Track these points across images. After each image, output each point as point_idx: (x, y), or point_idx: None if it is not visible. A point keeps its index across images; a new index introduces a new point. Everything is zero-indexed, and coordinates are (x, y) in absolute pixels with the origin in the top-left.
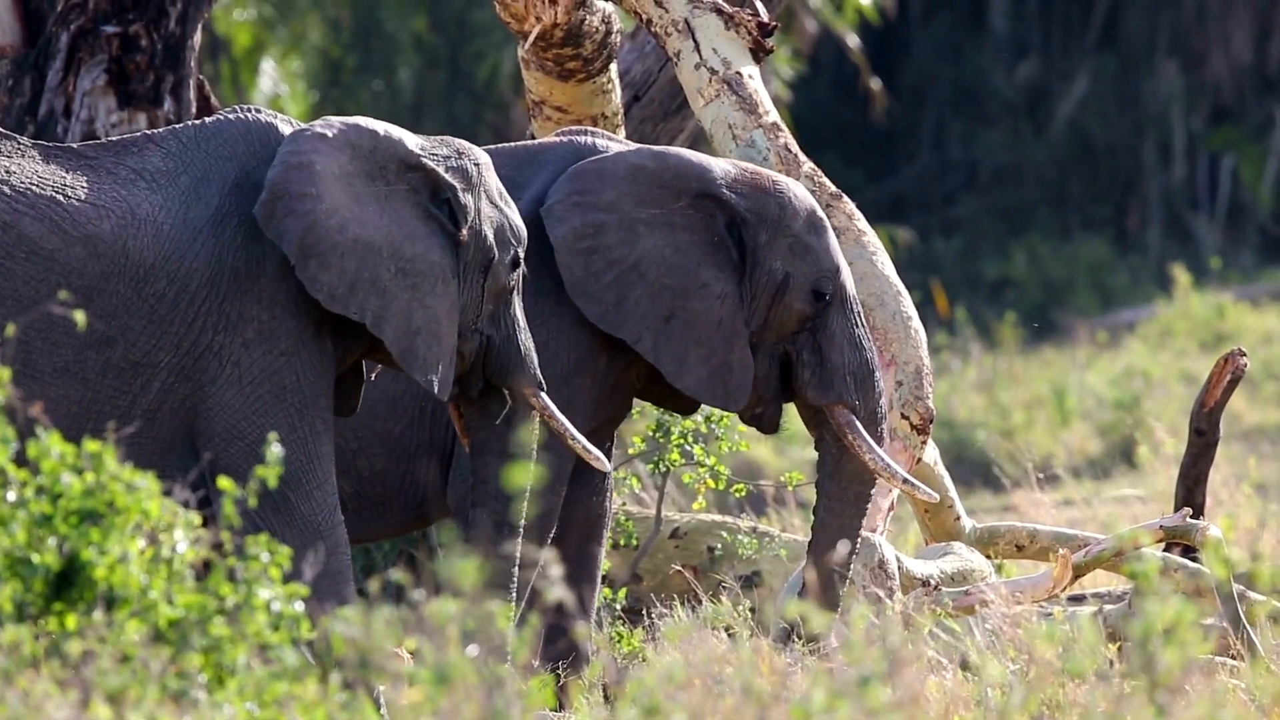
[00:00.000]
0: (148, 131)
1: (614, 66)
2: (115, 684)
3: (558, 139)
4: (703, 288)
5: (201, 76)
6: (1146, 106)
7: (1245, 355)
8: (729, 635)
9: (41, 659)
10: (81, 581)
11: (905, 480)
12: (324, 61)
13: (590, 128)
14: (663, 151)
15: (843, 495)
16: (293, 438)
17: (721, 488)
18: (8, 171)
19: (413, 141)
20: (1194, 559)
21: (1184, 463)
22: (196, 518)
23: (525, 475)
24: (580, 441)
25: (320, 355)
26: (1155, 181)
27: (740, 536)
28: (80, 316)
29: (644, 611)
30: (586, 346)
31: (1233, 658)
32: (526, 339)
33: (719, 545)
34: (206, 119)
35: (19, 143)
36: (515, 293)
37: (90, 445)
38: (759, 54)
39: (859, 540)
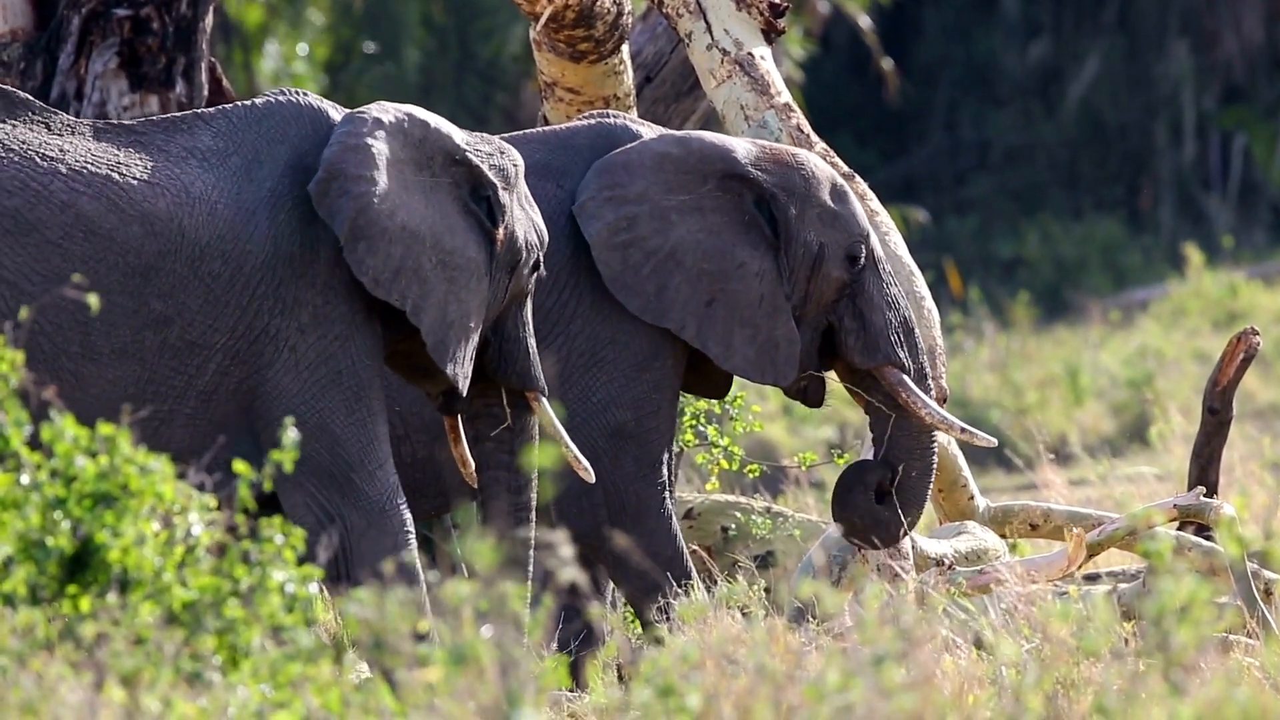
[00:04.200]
0: (196, 110)
1: (626, 48)
2: (129, 666)
3: (586, 122)
4: (740, 267)
5: (213, 59)
6: (1158, 86)
7: (1258, 334)
8: (743, 615)
9: (55, 642)
10: (95, 564)
11: (964, 429)
12: (333, 43)
13: (615, 111)
14: (685, 137)
15: (909, 461)
16: (350, 421)
17: (735, 468)
18: (61, 150)
19: (459, 136)
20: (1208, 538)
21: (1197, 441)
22: (211, 500)
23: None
24: (573, 450)
25: (373, 339)
26: (1167, 161)
27: (754, 517)
28: (93, 300)
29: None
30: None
31: (1247, 636)
32: (532, 341)
33: (733, 525)
34: (255, 100)
35: (68, 119)
36: (529, 296)
37: (104, 428)
38: (771, 35)
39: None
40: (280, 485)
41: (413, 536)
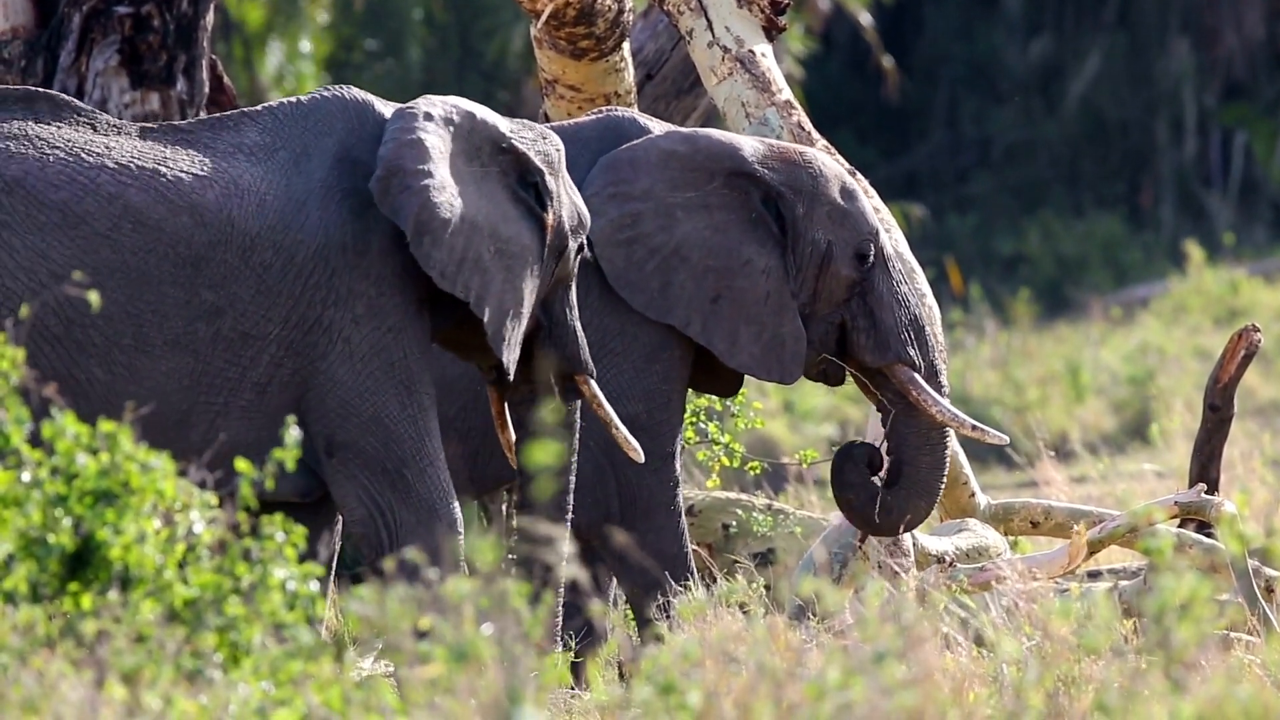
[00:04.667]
0: (243, 109)
1: (627, 45)
2: (130, 664)
3: (594, 117)
4: (746, 265)
5: (214, 56)
6: (1159, 83)
7: (1259, 331)
8: (744, 613)
9: (56, 639)
10: (96, 562)
11: (975, 427)
12: (335, 41)
13: (623, 107)
14: (692, 134)
15: (917, 454)
16: (403, 415)
17: (736, 465)
18: (108, 146)
19: (504, 125)
20: (1209, 535)
21: (1198, 438)
22: (213, 498)
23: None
24: (622, 432)
25: (423, 331)
26: (1168, 158)
27: (755, 514)
28: (94, 297)
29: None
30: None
31: (1248, 633)
32: (579, 325)
33: (734, 523)
34: (301, 97)
35: (112, 120)
36: (574, 281)
37: (105, 425)
38: (771, 32)
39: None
40: (331, 477)
41: (462, 536)
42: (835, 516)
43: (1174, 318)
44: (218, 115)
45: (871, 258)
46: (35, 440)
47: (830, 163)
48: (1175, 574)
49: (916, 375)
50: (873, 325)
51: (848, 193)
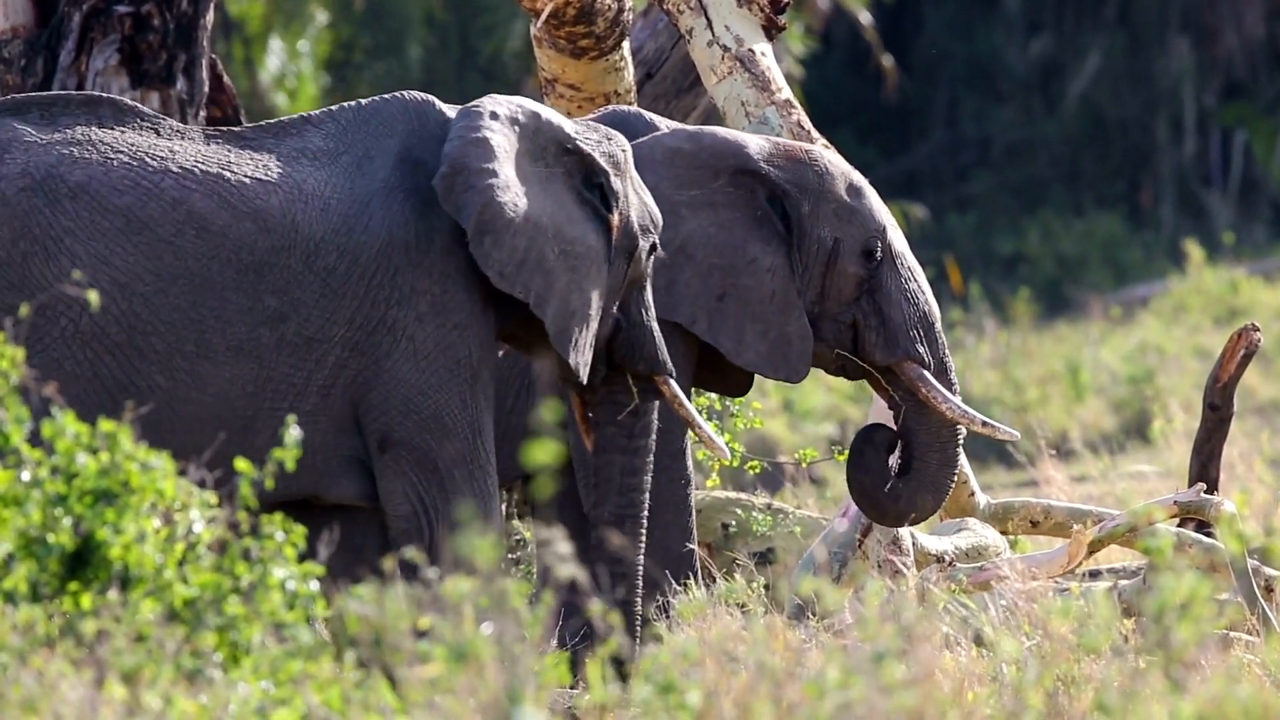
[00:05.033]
0: (303, 114)
1: (626, 44)
2: (130, 663)
3: (602, 113)
4: (751, 263)
5: (214, 56)
6: (1159, 83)
7: (1259, 330)
8: (743, 612)
9: (56, 639)
10: (96, 561)
11: (985, 423)
12: (335, 40)
13: (630, 106)
14: (697, 132)
15: (928, 450)
16: (463, 414)
17: (735, 464)
18: (171, 151)
19: (569, 125)
20: (1208, 534)
21: (1198, 438)
22: (213, 497)
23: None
24: (705, 430)
25: (487, 329)
26: (1168, 157)
27: (754, 513)
28: (94, 297)
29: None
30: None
31: (1248, 633)
32: (656, 325)
33: (733, 522)
34: (362, 101)
35: (176, 125)
36: (648, 279)
37: (105, 424)
38: (771, 31)
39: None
40: (381, 472)
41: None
42: (835, 516)
43: (1174, 317)
44: (280, 120)
45: (879, 255)
46: (35, 439)
47: (837, 160)
48: (1175, 573)
49: (926, 372)
50: (881, 323)
51: (854, 190)
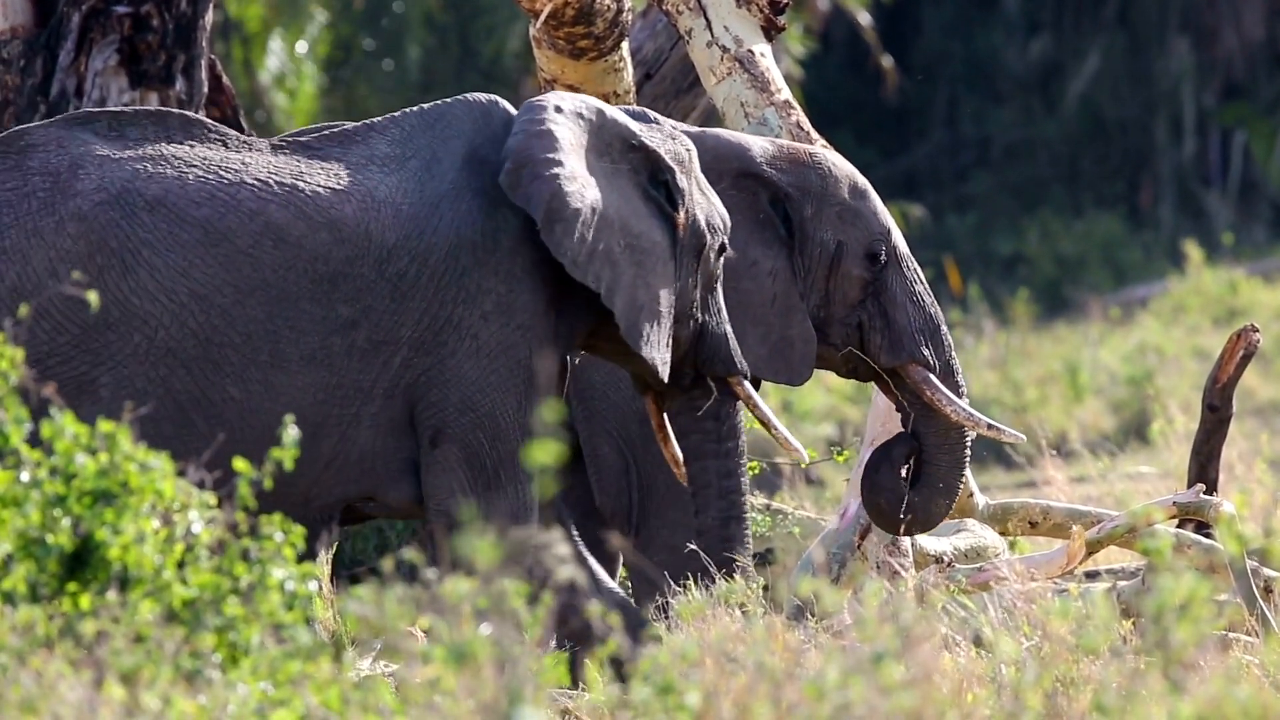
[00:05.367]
0: (367, 121)
1: (626, 45)
2: (129, 664)
3: None
4: (753, 266)
5: (213, 56)
6: (1158, 83)
7: (1258, 331)
8: (742, 613)
9: (55, 639)
10: (95, 562)
11: (990, 425)
12: (334, 41)
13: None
14: (699, 134)
15: (937, 453)
16: (516, 416)
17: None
18: (244, 163)
19: (633, 124)
20: (1207, 535)
21: (1197, 439)
22: (211, 498)
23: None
24: (781, 431)
25: (550, 332)
26: (1167, 158)
27: (753, 514)
28: (93, 297)
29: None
30: None
31: (1247, 634)
32: (728, 326)
33: None
34: (425, 105)
35: (242, 137)
36: (719, 279)
37: (104, 425)
38: (771, 32)
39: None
40: (429, 466)
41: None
42: (833, 516)
43: (1173, 318)
44: (343, 129)
45: (883, 257)
46: (34, 440)
47: (841, 162)
48: (1174, 574)
49: (930, 375)
50: (886, 325)
51: (858, 192)
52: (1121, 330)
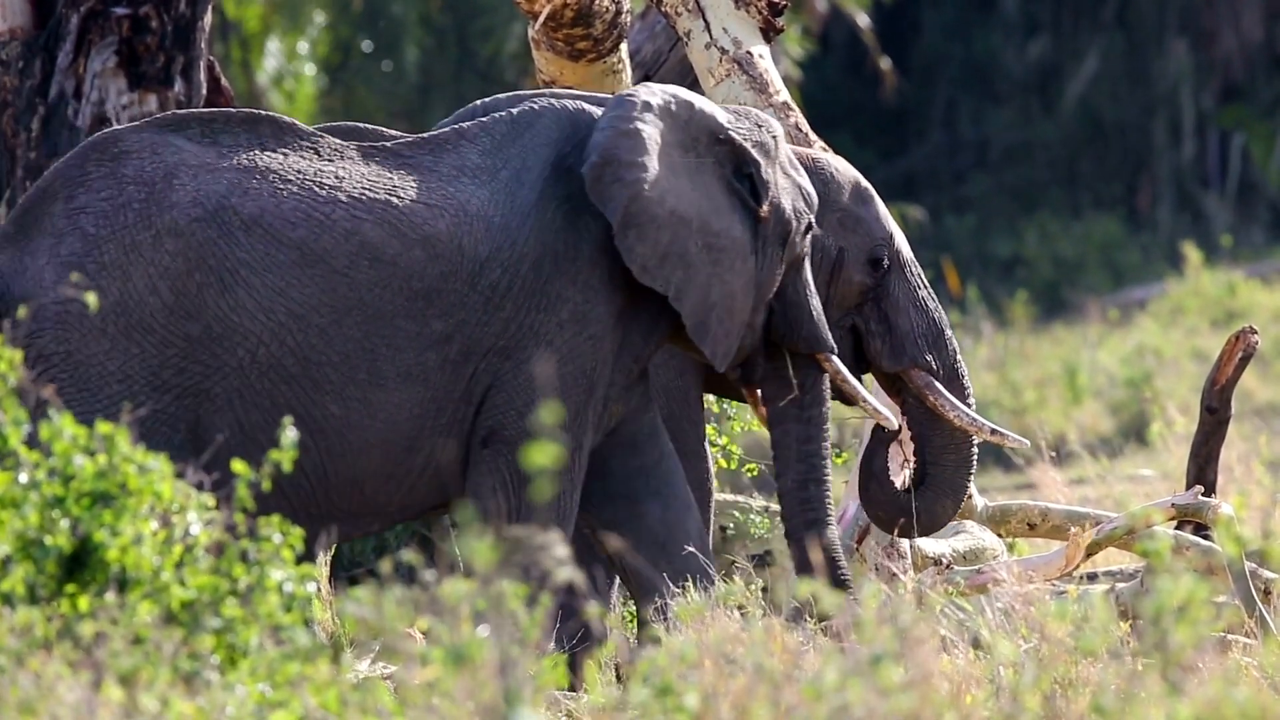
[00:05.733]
0: (456, 127)
1: (624, 46)
2: (127, 665)
3: None
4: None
5: (212, 58)
6: (1157, 85)
7: (1256, 333)
8: (741, 615)
9: (53, 641)
10: (94, 563)
11: (993, 431)
12: (332, 42)
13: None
14: None
15: (942, 454)
16: (573, 423)
17: (734, 467)
18: (337, 177)
19: (722, 115)
20: (1206, 537)
21: (1195, 440)
22: (210, 499)
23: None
24: (871, 403)
25: (615, 345)
26: (1166, 159)
27: (752, 516)
28: (92, 299)
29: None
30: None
31: (1245, 635)
32: (816, 303)
33: (731, 525)
34: (514, 109)
35: (334, 143)
36: (807, 258)
37: (102, 427)
38: (769, 33)
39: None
40: (477, 464)
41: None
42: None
43: (1171, 319)
44: (433, 135)
45: (886, 263)
46: (33, 441)
47: (844, 167)
48: (1172, 576)
49: (934, 380)
50: (888, 330)
51: (861, 197)
52: (1120, 332)
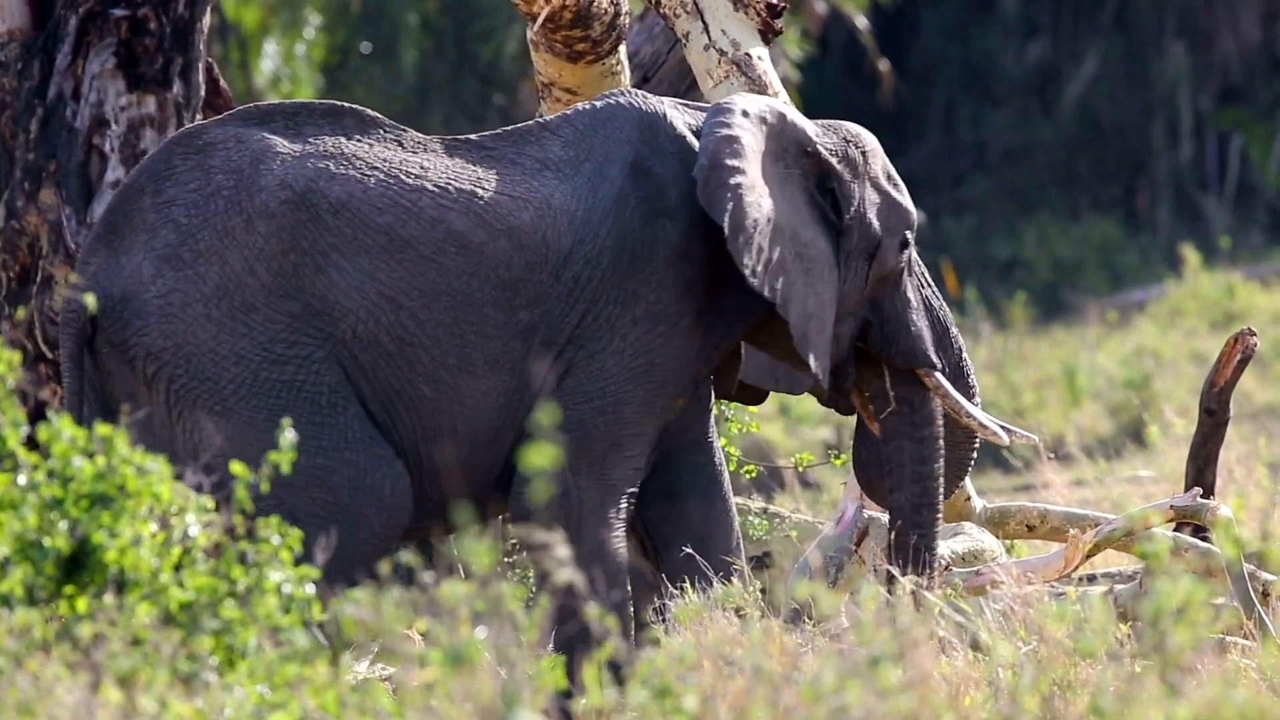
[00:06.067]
0: (539, 120)
1: (623, 48)
2: (126, 667)
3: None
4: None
5: (210, 59)
6: (1155, 87)
7: (1255, 334)
8: (739, 616)
9: (52, 642)
10: (92, 565)
11: (1005, 429)
12: (330, 44)
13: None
14: None
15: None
16: (640, 410)
17: (732, 469)
18: (422, 167)
19: (811, 128)
20: (1205, 539)
21: (1194, 442)
22: (209, 501)
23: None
24: (976, 418)
25: (688, 345)
26: (1164, 161)
27: (750, 517)
28: (90, 301)
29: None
30: None
31: (1244, 637)
32: (918, 318)
33: None
34: (595, 104)
35: (418, 136)
36: (906, 274)
37: (101, 428)
38: (768, 35)
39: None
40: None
41: (624, 530)
42: (830, 520)
43: (1170, 321)
44: (517, 128)
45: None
46: (32, 443)
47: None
48: (1171, 578)
49: (943, 379)
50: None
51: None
52: (1119, 334)
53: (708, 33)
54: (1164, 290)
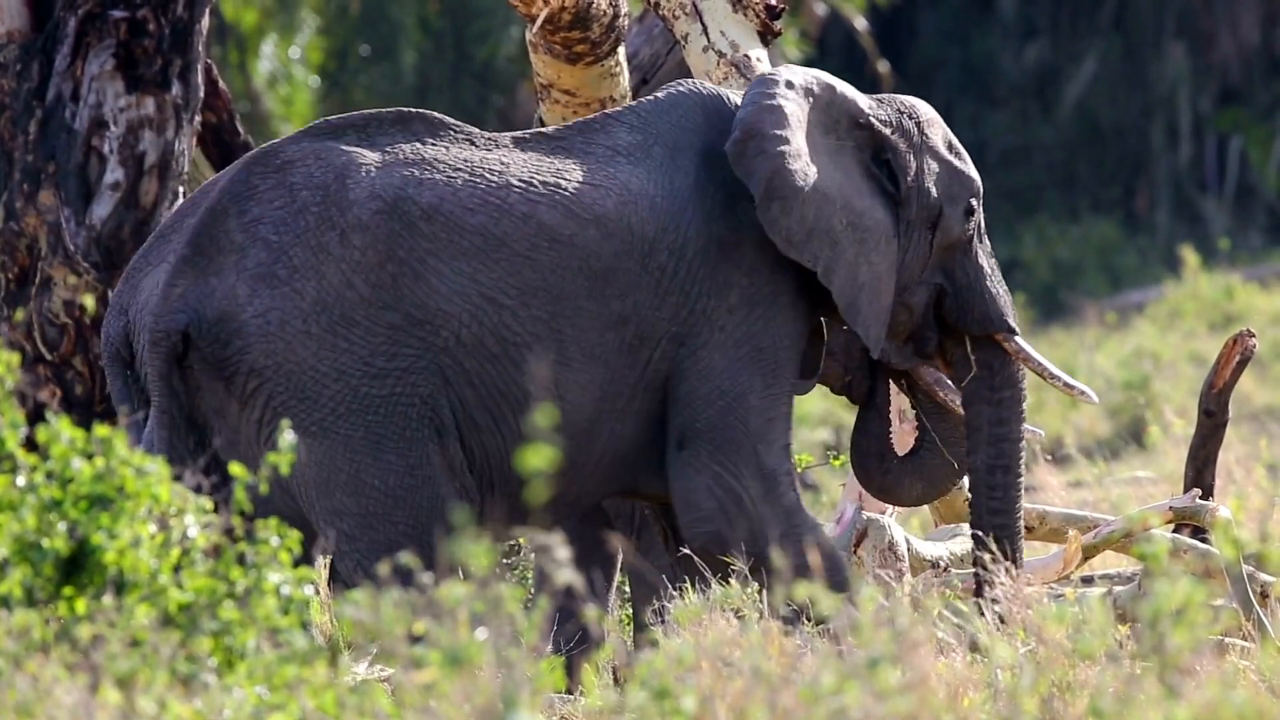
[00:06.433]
0: (605, 111)
1: (622, 50)
2: (125, 668)
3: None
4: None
5: (209, 60)
6: (1154, 88)
7: (1254, 336)
8: (738, 618)
9: (51, 643)
10: (91, 566)
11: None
12: (329, 45)
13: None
14: None
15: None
16: (765, 394)
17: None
18: (503, 164)
19: (863, 100)
20: (1204, 540)
21: (1193, 444)
22: (208, 502)
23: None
24: (1060, 378)
25: (793, 320)
26: (1163, 163)
27: None
28: (89, 301)
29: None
30: None
31: (1243, 638)
32: (993, 284)
33: None
34: (658, 94)
35: (486, 135)
36: (976, 240)
37: (100, 430)
38: (767, 36)
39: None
40: (679, 470)
41: (801, 508)
42: (829, 521)
43: (1169, 323)
44: (581, 121)
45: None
46: (30, 444)
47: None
48: (1170, 579)
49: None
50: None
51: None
52: (1118, 335)
53: (707, 34)
54: (1163, 292)
